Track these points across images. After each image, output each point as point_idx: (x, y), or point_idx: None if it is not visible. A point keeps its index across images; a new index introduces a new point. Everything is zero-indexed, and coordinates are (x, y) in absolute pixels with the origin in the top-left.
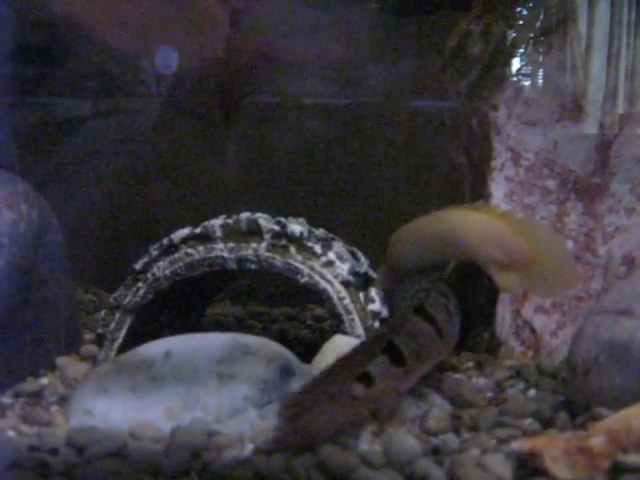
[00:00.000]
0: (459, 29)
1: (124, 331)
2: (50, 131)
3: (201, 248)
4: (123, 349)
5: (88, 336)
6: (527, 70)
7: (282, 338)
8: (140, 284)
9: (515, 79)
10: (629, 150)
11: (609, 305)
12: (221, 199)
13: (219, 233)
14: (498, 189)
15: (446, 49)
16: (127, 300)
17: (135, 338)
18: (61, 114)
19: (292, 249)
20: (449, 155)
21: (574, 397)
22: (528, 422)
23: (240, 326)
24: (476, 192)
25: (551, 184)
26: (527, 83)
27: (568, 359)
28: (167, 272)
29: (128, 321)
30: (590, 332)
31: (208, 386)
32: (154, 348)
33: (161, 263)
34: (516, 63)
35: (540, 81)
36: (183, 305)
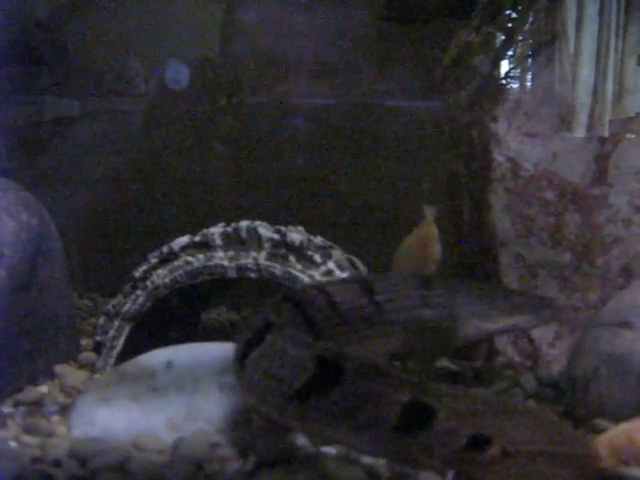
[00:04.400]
0: (458, 39)
1: (123, 339)
2: (38, 131)
3: (201, 256)
4: (122, 357)
5: (84, 342)
6: (526, 81)
7: None
8: (139, 292)
9: (514, 90)
10: (627, 162)
11: (608, 317)
12: (214, 202)
13: (219, 241)
14: (497, 200)
15: (445, 59)
16: (126, 308)
17: (133, 345)
18: (49, 114)
19: (292, 258)
20: (447, 165)
21: (574, 409)
22: None
23: (235, 332)
24: (475, 202)
25: (550, 195)
26: (527, 94)
27: (568, 371)
28: (167, 280)
29: (127, 329)
30: (589, 344)
31: (210, 397)
32: (155, 358)
33: (160, 271)
34: (515, 74)
35: (540, 92)
36: (180, 312)
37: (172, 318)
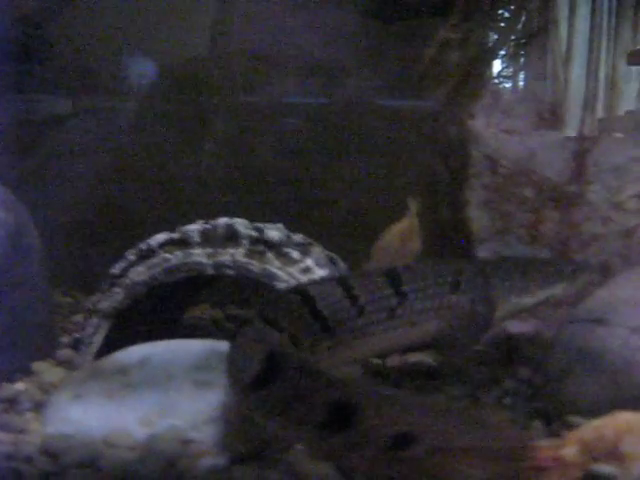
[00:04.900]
0: (437, 37)
1: (101, 336)
2: (29, 129)
3: (179, 253)
4: (101, 354)
5: (65, 339)
6: (505, 78)
7: None
8: (117, 289)
9: (493, 87)
10: (605, 159)
11: (584, 313)
12: (201, 200)
13: (197, 238)
14: (475, 197)
15: (425, 57)
16: (104, 305)
17: (112, 342)
18: (41, 112)
19: (270, 255)
20: (426, 161)
21: (549, 405)
22: None
23: (218, 329)
24: (453, 198)
25: (528, 192)
26: (505, 91)
27: (543, 367)
28: (145, 277)
29: (105, 326)
30: (565, 340)
31: (184, 393)
32: (131, 354)
33: (139, 268)
34: (495, 71)
35: (518, 89)
36: (161, 309)
37: (154, 315)
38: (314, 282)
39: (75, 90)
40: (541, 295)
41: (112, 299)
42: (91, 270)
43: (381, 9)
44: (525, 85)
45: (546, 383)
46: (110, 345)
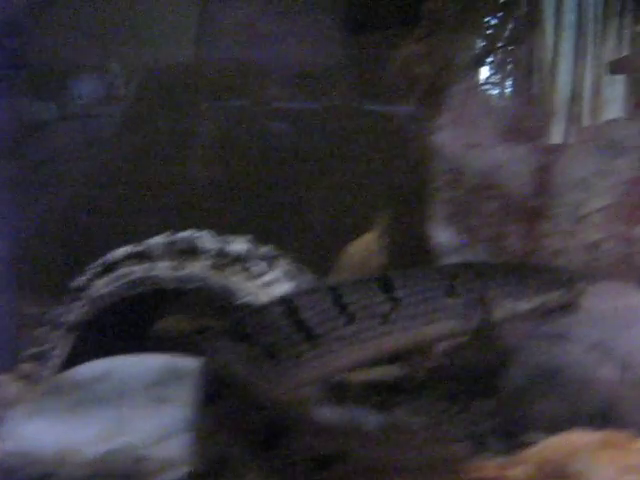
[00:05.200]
0: (402, 50)
1: (64, 350)
2: (13, 134)
3: (141, 267)
4: (65, 368)
5: (28, 352)
6: (471, 92)
7: None
8: (80, 302)
9: (459, 100)
10: (569, 173)
11: (544, 329)
12: (181, 209)
13: (159, 251)
14: (438, 211)
15: (392, 69)
16: (67, 318)
17: (77, 356)
18: (25, 117)
19: (232, 269)
20: (393, 173)
21: (509, 421)
22: (461, 447)
23: (189, 341)
24: (418, 212)
25: (492, 206)
26: (471, 104)
27: (504, 382)
28: (107, 290)
29: (68, 339)
30: (525, 356)
31: (139, 410)
32: (89, 369)
33: (101, 281)
34: (460, 84)
35: (484, 103)
36: (127, 322)
37: (120, 328)
38: (301, 292)
39: (60, 95)
40: (537, 301)
41: (74, 312)
42: (64, 280)
43: (351, 20)
44: (489, 99)
45: (506, 398)
46: (75, 359)
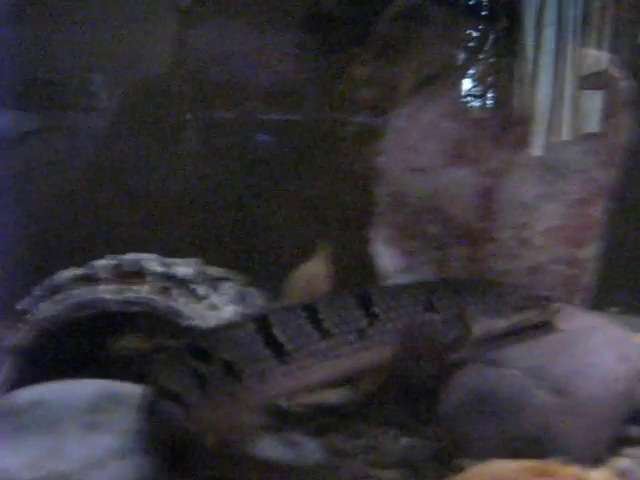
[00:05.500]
0: (351, 71)
1: (7, 374)
2: None
3: (85, 289)
4: (8, 391)
5: None
6: (415, 115)
7: None
8: (23, 325)
9: (399, 123)
10: (511, 195)
11: (479, 353)
12: (160, 222)
13: (103, 274)
14: (378, 234)
15: (338, 92)
16: (9, 341)
17: (21, 380)
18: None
19: (176, 291)
20: (338, 196)
21: (445, 446)
22: (396, 472)
23: (143, 361)
24: (359, 235)
25: (434, 229)
26: (412, 129)
27: (439, 407)
28: (50, 313)
29: (10, 363)
30: (459, 380)
31: (72, 436)
32: (25, 395)
33: (44, 304)
34: (405, 108)
35: (425, 126)
36: (76, 345)
37: (68, 351)
38: (276, 309)
39: (42, 106)
40: (515, 319)
41: (16, 335)
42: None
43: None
44: (431, 123)
45: (442, 423)
46: (20, 383)
